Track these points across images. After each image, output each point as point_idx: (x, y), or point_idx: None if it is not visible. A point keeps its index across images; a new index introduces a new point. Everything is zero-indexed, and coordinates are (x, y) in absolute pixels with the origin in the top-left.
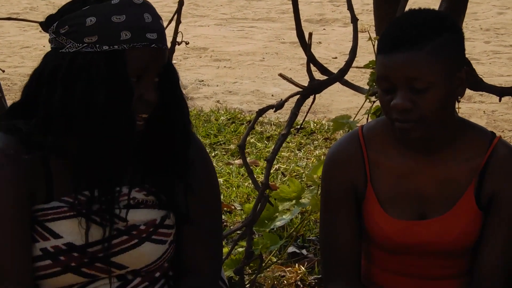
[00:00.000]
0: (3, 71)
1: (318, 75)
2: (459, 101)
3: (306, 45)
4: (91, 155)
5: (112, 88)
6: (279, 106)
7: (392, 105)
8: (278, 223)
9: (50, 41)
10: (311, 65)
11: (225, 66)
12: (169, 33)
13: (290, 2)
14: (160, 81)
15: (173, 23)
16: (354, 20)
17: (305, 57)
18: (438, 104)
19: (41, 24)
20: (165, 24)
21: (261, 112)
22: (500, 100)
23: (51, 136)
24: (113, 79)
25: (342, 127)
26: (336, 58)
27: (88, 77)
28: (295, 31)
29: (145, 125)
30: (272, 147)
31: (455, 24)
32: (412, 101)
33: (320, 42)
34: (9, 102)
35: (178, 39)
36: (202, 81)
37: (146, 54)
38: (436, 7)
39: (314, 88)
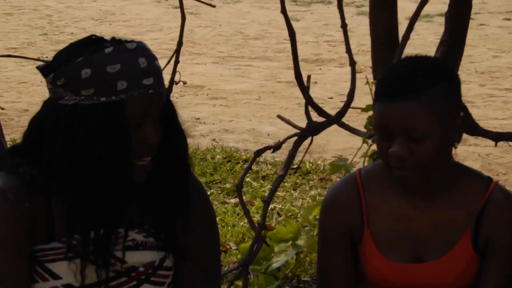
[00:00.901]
0: (3, 109)
1: (314, 116)
2: (455, 147)
3: (304, 87)
4: (88, 198)
5: (110, 138)
6: (277, 147)
7: (389, 153)
8: (275, 265)
9: (49, 90)
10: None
11: (221, 104)
12: (167, 71)
13: (287, 41)
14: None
15: (171, 62)
16: (352, 63)
17: (301, 96)
18: (435, 152)
19: (39, 70)
20: (163, 63)
21: (259, 152)
22: (496, 145)
23: (54, 181)
24: (112, 130)
25: (339, 169)
26: (332, 98)
27: (88, 129)
28: (291, 70)
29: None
30: (268, 186)
31: (452, 72)
32: (410, 149)
33: (316, 82)
34: (6, 138)
35: (176, 78)
36: (199, 119)
37: (144, 100)
38: (433, 50)
39: (311, 130)
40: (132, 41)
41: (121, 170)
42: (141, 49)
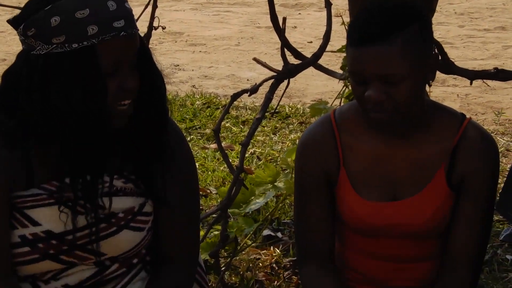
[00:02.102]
0: None
1: (292, 60)
2: (430, 85)
3: (280, 30)
4: (71, 146)
5: (85, 84)
6: (253, 90)
7: (365, 97)
8: (253, 207)
9: (21, 41)
10: (285, 49)
11: (200, 51)
12: (145, 17)
13: None
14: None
15: (149, 8)
16: (328, 4)
17: (280, 41)
18: (411, 94)
19: (9, 22)
20: (141, 9)
21: (235, 96)
22: (471, 84)
23: (32, 132)
24: (86, 76)
25: (319, 112)
26: (311, 42)
27: (62, 77)
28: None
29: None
30: (247, 131)
31: (422, 11)
32: (386, 92)
33: (295, 27)
34: None
35: (155, 24)
36: (178, 65)
37: (117, 43)
38: None
39: (288, 72)
40: None
41: (99, 116)
42: None
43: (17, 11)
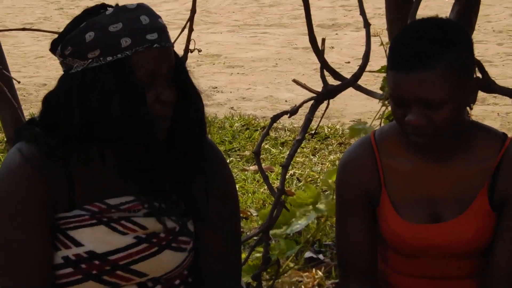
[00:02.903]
0: (19, 82)
1: (331, 80)
2: (471, 108)
3: (319, 51)
4: (129, 163)
5: (124, 96)
6: (293, 112)
7: (406, 121)
8: (295, 228)
9: (61, 64)
10: (325, 70)
11: (238, 73)
12: (182, 40)
13: (302, 7)
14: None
15: (186, 31)
16: (367, 25)
17: (318, 62)
18: (452, 117)
19: (50, 49)
20: (178, 32)
21: (275, 118)
22: None
23: (74, 151)
24: (123, 87)
25: (359, 133)
26: (349, 62)
27: (100, 91)
28: (307, 37)
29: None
30: (287, 152)
31: (464, 33)
32: (426, 117)
33: (332, 47)
34: (24, 112)
35: (191, 46)
36: (216, 88)
37: (151, 55)
38: (449, 10)
39: (328, 93)
40: (133, 3)
41: (143, 125)
42: (142, 8)
43: (56, 36)
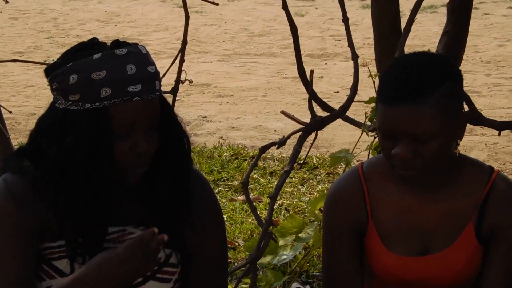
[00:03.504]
0: (10, 112)
1: (320, 111)
2: (458, 144)
3: (307, 82)
4: (78, 200)
5: (94, 145)
6: (281, 143)
7: (393, 153)
8: (282, 259)
9: (51, 91)
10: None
11: (228, 102)
12: (173, 70)
13: (291, 37)
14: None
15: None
16: (355, 57)
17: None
18: (439, 152)
19: (44, 71)
20: (168, 61)
21: (264, 149)
22: (499, 134)
23: (52, 183)
24: (95, 137)
25: (340, 161)
26: (338, 92)
27: (74, 134)
28: (296, 66)
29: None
30: (275, 182)
31: (454, 69)
32: (414, 151)
33: (322, 77)
34: (13, 141)
35: (182, 77)
36: (205, 117)
37: (131, 107)
38: (437, 40)
39: (316, 124)
40: (125, 46)
41: (105, 175)
42: (131, 54)
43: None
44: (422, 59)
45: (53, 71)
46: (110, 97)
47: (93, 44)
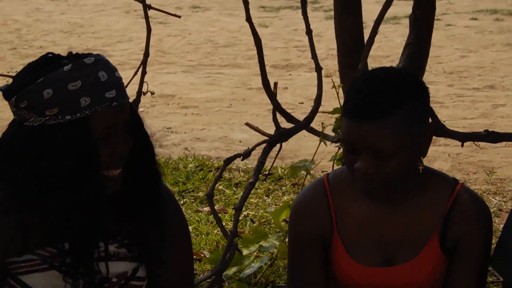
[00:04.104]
0: None
1: (284, 121)
2: (421, 161)
3: (271, 94)
4: (67, 212)
5: (79, 155)
6: (246, 155)
7: (355, 168)
8: (248, 271)
9: (13, 112)
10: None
11: (192, 113)
12: (135, 81)
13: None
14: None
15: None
16: (318, 69)
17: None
18: (401, 168)
19: (2, 93)
20: (132, 72)
21: (228, 161)
22: (462, 145)
23: (27, 198)
24: (79, 146)
25: (299, 171)
26: (302, 103)
27: (56, 148)
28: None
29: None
30: (241, 193)
31: (420, 87)
32: (376, 166)
33: (286, 88)
34: None
35: (144, 88)
36: (170, 128)
37: (109, 113)
38: (401, 51)
39: (280, 136)
40: (89, 55)
41: (93, 184)
42: (99, 62)
43: (7, 79)
44: (388, 75)
45: (17, 91)
46: (90, 105)
47: (53, 58)
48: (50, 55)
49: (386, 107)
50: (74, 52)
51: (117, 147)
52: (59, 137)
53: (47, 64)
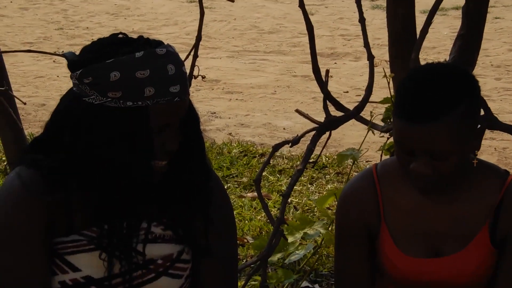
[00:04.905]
0: (25, 104)
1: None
2: (475, 155)
3: (322, 82)
4: (109, 195)
5: (133, 142)
6: (295, 141)
7: (411, 168)
8: (293, 258)
9: (74, 84)
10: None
11: (237, 99)
12: (186, 64)
13: (301, 35)
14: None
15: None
16: (371, 57)
17: (316, 90)
18: (458, 167)
19: (67, 61)
20: (183, 57)
21: (277, 147)
22: None
23: (73, 176)
24: (135, 135)
25: (346, 159)
26: (347, 92)
27: (111, 131)
28: (306, 65)
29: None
30: (285, 180)
31: (473, 83)
32: (432, 166)
33: (331, 76)
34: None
35: (195, 73)
36: (214, 113)
37: (169, 107)
38: (447, 43)
39: (330, 124)
40: (162, 46)
41: (141, 173)
42: (170, 55)
43: (56, 57)
44: (439, 74)
45: (83, 65)
46: (153, 96)
47: (124, 40)
48: (120, 35)
49: (443, 110)
50: (145, 37)
51: (168, 144)
52: (117, 121)
53: (119, 45)
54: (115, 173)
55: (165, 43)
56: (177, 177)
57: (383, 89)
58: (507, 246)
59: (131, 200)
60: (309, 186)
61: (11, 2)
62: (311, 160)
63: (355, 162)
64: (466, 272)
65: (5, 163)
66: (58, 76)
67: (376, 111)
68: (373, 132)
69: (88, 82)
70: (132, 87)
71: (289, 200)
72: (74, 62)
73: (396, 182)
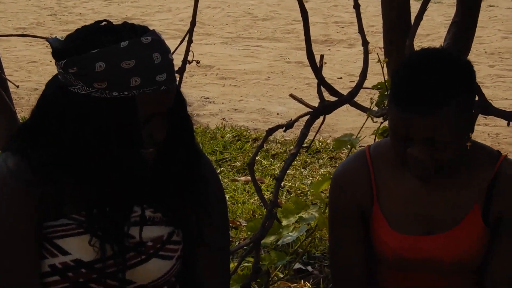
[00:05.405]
0: (18, 87)
1: (325, 95)
2: (470, 137)
3: (317, 68)
4: (104, 187)
5: (120, 132)
6: (288, 126)
7: (408, 153)
8: (286, 240)
9: (59, 73)
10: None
11: (230, 84)
12: (179, 51)
13: (295, 22)
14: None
15: (184, 42)
16: (365, 43)
17: (310, 76)
18: (455, 154)
19: (52, 50)
20: (172, 44)
21: (270, 131)
22: (508, 125)
23: (62, 164)
24: (122, 124)
25: (344, 144)
26: (341, 78)
27: (98, 121)
28: (300, 51)
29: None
30: (278, 164)
31: (468, 71)
32: (430, 154)
33: (325, 63)
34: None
35: (189, 58)
36: (208, 98)
37: (156, 96)
38: (441, 31)
39: (324, 108)
40: (147, 34)
41: (132, 165)
42: (156, 43)
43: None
44: (436, 61)
45: (68, 55)
46: (139, 86)
47: (109, 28)
48: (104, 23)
49: (441, 100)
50: (129, 23)
51: (155, 133)
52: (103, 112)
53: (104, 34)
54: (105, 166)
55: (151, 30)
56: (167, 168)
57: (376, 75)
58: (500, 227)
59: (124, 193)
60: (303, 170)
61: None
62: (304, 145)
63: (355, 147)
64: (458, 250)
65: None
66: (50, 61)
67: (368, 97)
68: (372, 120)
69: (73, 72)
70: (117, 78)
71: (282, 184)
72: (59, 50)
73: (389, 164)
